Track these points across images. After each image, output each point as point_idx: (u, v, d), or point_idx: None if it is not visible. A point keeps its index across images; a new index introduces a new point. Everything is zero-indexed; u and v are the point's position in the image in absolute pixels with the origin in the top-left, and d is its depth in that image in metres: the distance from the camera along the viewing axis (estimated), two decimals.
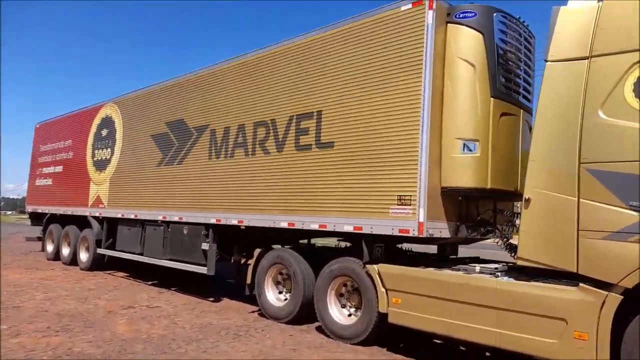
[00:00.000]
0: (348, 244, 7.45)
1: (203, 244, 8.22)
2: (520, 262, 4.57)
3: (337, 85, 6.31)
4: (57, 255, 13.36)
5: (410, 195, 5.28)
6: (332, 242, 8.35)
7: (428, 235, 5.21)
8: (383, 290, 5.47)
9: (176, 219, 8.88)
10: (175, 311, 7.42)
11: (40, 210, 14.50)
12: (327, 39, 6.53)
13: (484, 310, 4.58)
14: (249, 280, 7.29)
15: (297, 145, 6.73)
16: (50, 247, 13.94)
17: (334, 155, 6.20)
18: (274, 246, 7.88)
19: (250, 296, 7.43)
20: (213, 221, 8.05)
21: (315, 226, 6.34)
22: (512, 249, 5.43)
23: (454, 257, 7.00)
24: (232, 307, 7.91)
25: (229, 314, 7.40)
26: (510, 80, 5.72)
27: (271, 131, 7.20)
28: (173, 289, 9.50)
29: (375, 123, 5.74)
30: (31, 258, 14.02)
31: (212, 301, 8.41)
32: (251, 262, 7.37)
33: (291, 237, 7.75)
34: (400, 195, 5.37)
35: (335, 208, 6.10)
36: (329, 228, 6.15)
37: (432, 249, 7.36)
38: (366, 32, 6.03)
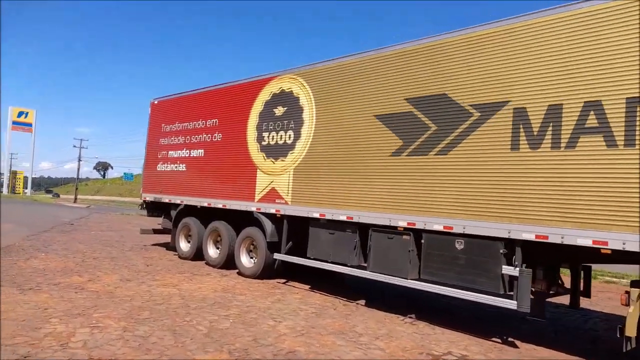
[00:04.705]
0: None
1: (504, 267, 5.93)
2: None
3: None
4: (196, 255, 11.35)
5: None
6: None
7: None
8: None
9: (438, 227, 6.60)
10: None
11: (167, 200, 12.45)
12: None
13: None
14: (632, 332, 4.92)
15: None
16: (184, 245, 11.96)
17: None
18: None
19: (622, 352, 5.06)
20: (526, 236, 5.73)
21: None
22: None
23: None
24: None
25: None
26: None
27: None
28: (410, 316, 7.25)
29: None
30: (163, 257, 12.03)
31: (504, 343, 6.13)
32: (634, 306, 4.97)
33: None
34: None
35: None
36: None
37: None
38: None
